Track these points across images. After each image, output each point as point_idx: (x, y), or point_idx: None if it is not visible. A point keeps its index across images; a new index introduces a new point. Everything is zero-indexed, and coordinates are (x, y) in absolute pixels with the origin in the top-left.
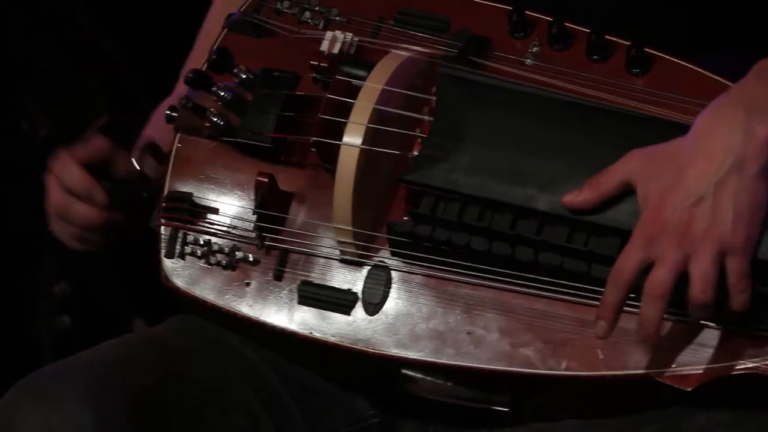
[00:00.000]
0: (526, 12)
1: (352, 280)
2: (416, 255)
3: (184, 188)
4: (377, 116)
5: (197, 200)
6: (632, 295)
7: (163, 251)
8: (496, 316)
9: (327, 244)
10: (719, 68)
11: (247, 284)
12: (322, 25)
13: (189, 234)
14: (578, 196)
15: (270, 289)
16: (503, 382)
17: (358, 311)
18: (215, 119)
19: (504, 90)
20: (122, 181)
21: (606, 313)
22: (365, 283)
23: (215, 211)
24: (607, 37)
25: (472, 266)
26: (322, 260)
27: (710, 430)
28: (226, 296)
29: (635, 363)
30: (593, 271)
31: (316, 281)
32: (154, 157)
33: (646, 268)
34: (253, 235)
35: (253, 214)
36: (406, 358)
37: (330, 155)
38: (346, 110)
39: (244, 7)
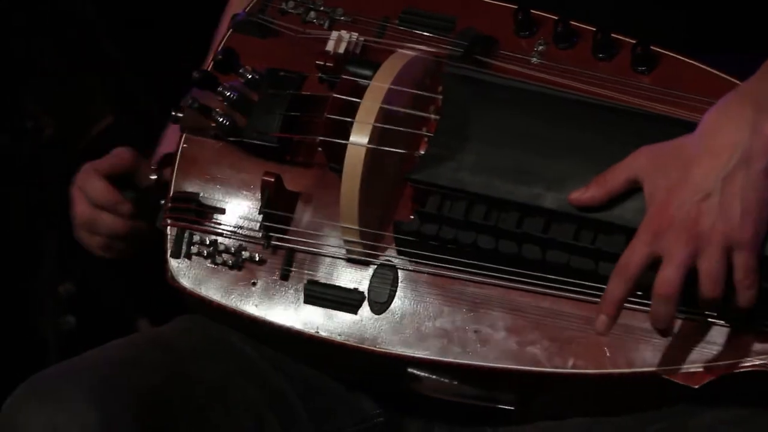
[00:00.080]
0: (532, 11)
1: (358, 279)
2: (423, 254)
3: (190, 188)
4: (383, 115)
5: (203, 200)
6: (639, 293)
7: (169, 251)
8: (502, 315)
9: (333, 243)
10: (719, 68)
11: (254, 284)
12: (327, 25)
13: (195, 234)
14: (585, 193)
15: (276, 288)
16: (510, 381)
17: (365, 310)
18: (221, 119)
19: (510, 89)
20: (145, 191)
21: (608, 308)
22: (371, 282)
23: (221, 211)
24: (612, 35)
25: (479, 265)
26: (328, 259)
27: (717, 428)
28: (232, 296)
29: (642, 361)
30: (600, 269)
31: (323, 280)
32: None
33: (651, 264)
34: (259, 234)
35: (259, 214)
36: (413, 357)
37: (336, 155)
38: (352, 110)
39: (249, 7)
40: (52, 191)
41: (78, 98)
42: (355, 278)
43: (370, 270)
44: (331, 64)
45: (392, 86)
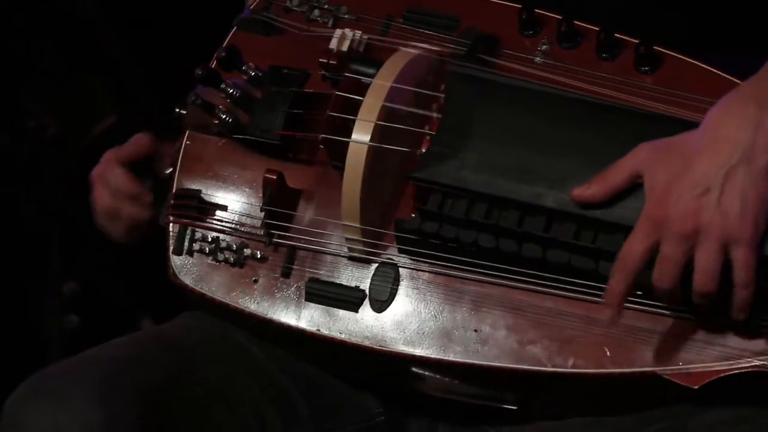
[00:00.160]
0: (536, 10)
1: (360, 277)
2: (424, 252)
3: (193, 185)
4: (386, 113)
5: (206, 197)
6: (638, 292)
7: (171, 248)
8: (503, 314)
9: (335, 241)
10: (719, 68)
11: (255, 281)
12: (331, 23)
13: (197, 231)
14: (587, 190)
15: (278, 286)
16: (510, 380)
17: (366, 308)
18: (224, 116)
19: (513, 87)
20: (163, 178)
21: (611, 299)
22: (373, 280)
23: (224, 208)
24: (616, 35)
25: (480, 263)
26: (329, 257)
27: (717, 428)
28: (234, 293)
29: (642, 361)
30: (601, 268)
31: (324, 278)
32: None
33: (650, 258)
34: (261, 232)
35: (261, 211)
36: (413, 356)
37: (338, 152)
38: (354, 107)
39: (253, 5)
40: (54, 190)
41: (79, 98)
42: (356, 276)
43: (372, 268)
44: (335, 62)
45: (395, 84)
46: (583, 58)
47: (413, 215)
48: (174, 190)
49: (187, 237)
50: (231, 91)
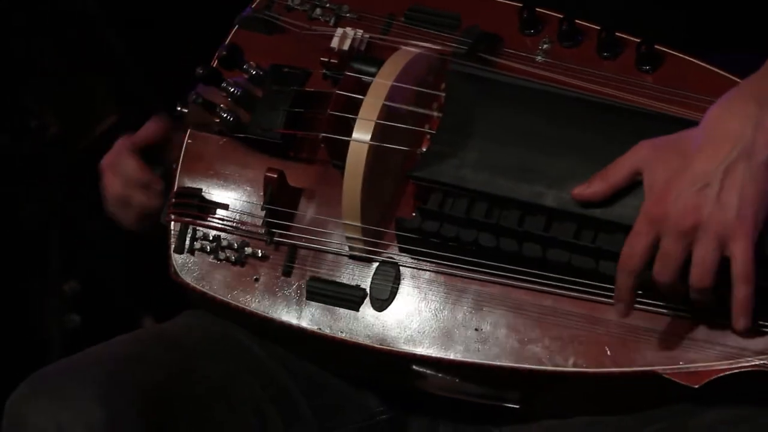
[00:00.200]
0: (537, 9)
1: (360, 276)
2: (425, 251)
3: (194, 184)
4: (386, 112)
5: (207, 196)
6: (639, 292)
7: (172, 247)
8: (504, 313)
9: (336, 240)
10: (720, 68)
11: (256, 280)
12: (332, 21)
13: (198, 230)
14: (588, 188)
15: (279, 284)
16: (512, 379)
17: (367, 307)
18: (225, 115)
19: (513, 86)
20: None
21: (621, 296)
22: (373, 279)
23: (225, 206)
24: (617, 34)
25: (481, 263)
26: (330, 256)
27: (717, 428)
28: (235, 292)
29: (643, 360)
30: (601, 268)
31: (325, 277)
32: None
33: (653, 253)
34: (262, 230)
35: (262, 210)
36: (414, 354)
37: (339, 151)
38: (355, 106)
39: (255, 3)
40: (55, 190)
41: (81, 97)
42: (357, 275)
43: (373, 267)
44: (336, 61)
45: (395, 83)
46: (584, 57)
47: (414, 214)
48: (175, 189)
49: (189, 236)
50: (232, 89)
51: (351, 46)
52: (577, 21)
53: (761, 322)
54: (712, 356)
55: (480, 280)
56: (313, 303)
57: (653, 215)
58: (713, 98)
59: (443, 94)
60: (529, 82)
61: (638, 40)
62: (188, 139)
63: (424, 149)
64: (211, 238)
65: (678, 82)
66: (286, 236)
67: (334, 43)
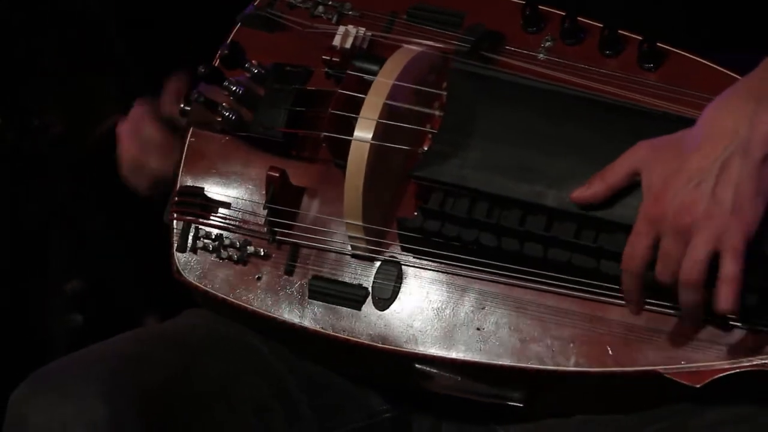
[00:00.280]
0: (539, 6)
1: (363, 275)
2: (426, 250)
3: (196, 183)
4: (388, 111)
5: (209, 194)
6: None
7: (175, 245)
8: (505, 312)
9: (338, 239)
10: (721, 66)
11: (258, 279)
12: (335, 19)
13: (201, 228)
14: (587, 190)
15: (281, 283)
16: (514, 378)
17: (369, 306)
18: (227, 114)
19: (515, 85)
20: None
21: (629, 297)
22: (375, 278)
23: (227, 205)
24: (619, 31)
25: (482, 262)
26: (333, 255)
27: (717, 428)
28: (237, 290)
29: (644, 360)
30: (602, 267)
31: (327, 276)
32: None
33: (655, 253)
34: (265, 229)
35: (264, 209)
36: (416, 354)
37: (341, 150)
38: (357, 105)
39: (257, 1)
40: (58, 189)
41: (83, 97)
42: (359, 274)
43: (375, 266)
44: (338, 59)
45: (397, 82)
46: (587, 55)
47: (415, 214)
48: (177, 188)
49: (191, 234)
50: (234, 88)
51: (353, 44)
52: (579, 19)
53: (761, 323)
54: (713, 356)
55: (481, 279)
56: (315, 302)
57: (652, 215)
58: (716, 97)
59: (445, 93)
60: (531, 81)
61: (640, 38)
62: (190, 137)
63: (426, 148)
64: (213, 237)
65: (681, 80)
66: (288, 235)
67: (336, 41)
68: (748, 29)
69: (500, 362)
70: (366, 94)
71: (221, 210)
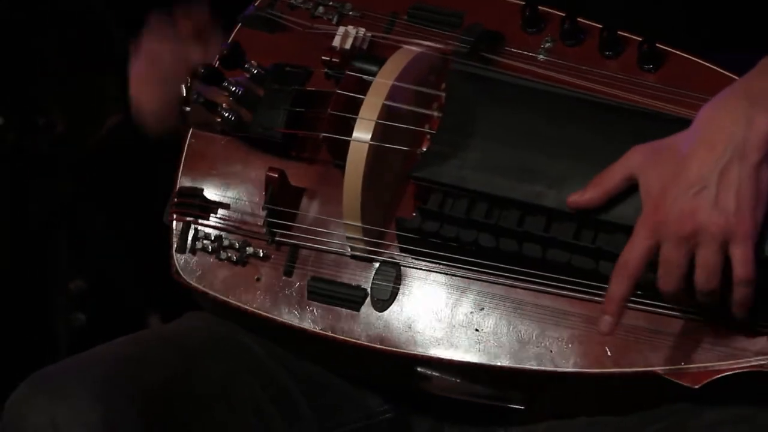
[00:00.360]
0: (539, 7)
1: (361, 276)
2: (425, 251)
3: (196, 183)
4: (387, 112)
5: (208, 195)
6: (639, 292)
7: (174, 246)
8: (504, 313)
9: (337, 239)
10: (721, 67)
11: (258, 280)
12: (335, 20)
13: (200, 229)
14: (583, 196)
15: (280, 284)
16: (513, 379)
17: (368, 307)
18: (226, 114)
19: (514, 86)
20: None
21: (611, 307)
22: (374, 279)
23: (226, 206)
24: (619, 32)
25: (481, 263)
26: (332, 256)
27: (717, 428)
28: (236, 292)
29: (643, 361)
30: (601, 268)
31: (326, 277)
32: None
33: (651, 261)
34: (264, 230)
35: (264, 210)
36: (415, 355)
37: (340, 151)
38: (356, 106)
39: (258, 1)
40: (62, 188)
41: (88, 96)
42: (358, 275)
43: (374, 267)
44: (337, 60)
45: (396, 83)
46: (587, 56)
47: (414, 214)
48: (177, 189)
49: (190, 235)
50: (233, 89)
51: (353, 44)
52: (579, 19)
53: (761, 323)
54: (712, 357)
55: (480, 280)
56: (314, 303)
57: (652, 222)
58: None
59: (444, 94)
60: (530, 82)
61: (640, 39)
62: (190, 138)
63: (425, 149)
64: (212, 238)
65: (681, 81)
66: (288, 236)
67: (336, 41)
68: (748, 29)
69: (499, 363)
70: (365, 94)
71: (220, 211)
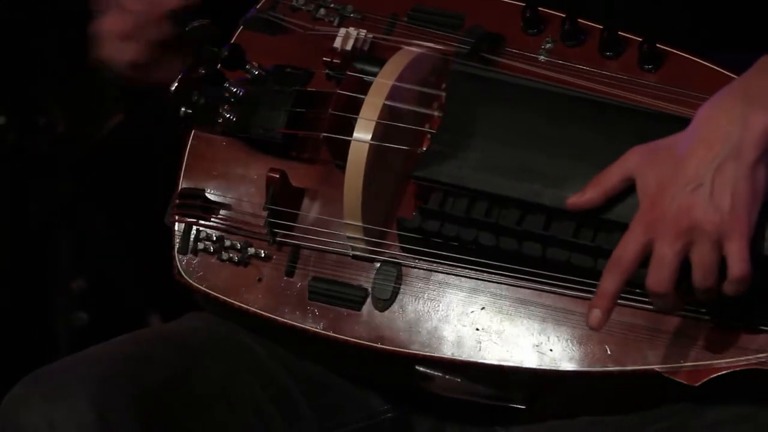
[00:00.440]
0: (540, 8)
1: (362, 276)
2: (426, 251)
3: (197, 184)
4: (387, 112)
5: (210, 196)
6: (637, 290)
7: (176, 247)
8: (505, 312)
9: (338, 240)
10: (723, 67)
11: (259, 280)
12: (336, 21)
13: (201, 230)
14: (582, 196)
15: (281, 285)
16: (514, 378)
17: (369, 307)
18: (228, 115)
19: (513, 86)
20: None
21: (601, 302)
22: (375, 279)
23: (228, 207)
24: (619, 33)
25: (481, 262)
26: (333, 256)
27: (717, 428)
28: (238, 292)
29: (643, 359)
30: (599, 266)
31: (327, 277)
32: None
33: (644, 258)
34: (265, 231)
35: (265, 210)
36: (416, 354)
37: (340, 151)
38: (356, 106)
39: (260, 4)
40: (64, 188)
41: (89, 96)
42: (359, 275)
43: (375, 267)
44: (338, 61)
45: (396, 83)
46: (587, 57)
47: (414, 214)
48: (178, 190)
49: (192, 236)
50: (234, 90)
51: (354, 46)
52: (579, 20)
53: (761, 322)
54: (712, 355)
55: (481, 279)
56: (315, 303)
57: (648, 219)
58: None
59: (444, 94)
60: (530, 82)
61: (640, 39)
62: (191, 139)
63: (425, 149)
64: (214, 239)
65: (681, 81)
66: (289, 236)
67: (337, 43)
68: (748, 29)
69: (500, 362)
70: (365, 95)
71: (222, 212)
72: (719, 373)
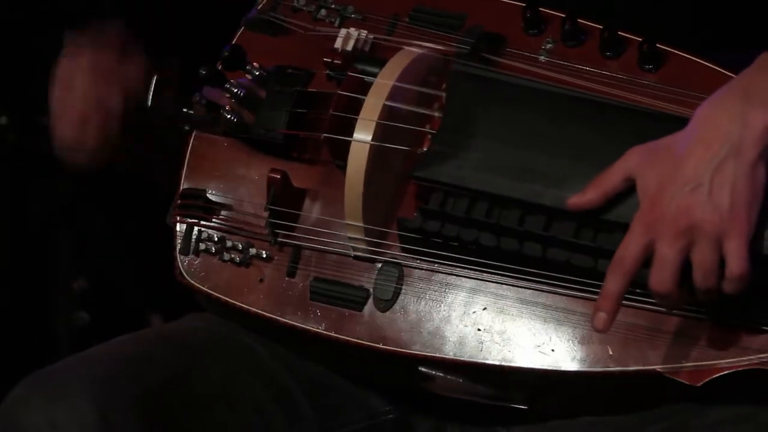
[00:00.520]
0: (540, 9)
1: (364, 276)
2: (427, 251)
3: (199, 185)
4: (387, 112)
5: (211, 197)
6: (638, 291)
7: (177, 248)
8: (506, 312)
9: (339, 240)
10: (723, 67)
11: (261, 281)
12: (337, 22)
13: (203, 230)
14: (583, 197)
15: (283, 285)
16: (515, 379)
17: (370, 307)
18: (229, 116)
19: (514, 86)
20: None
21: (606, 303)
22: (377, 279)
23: (229, 207)
24: (619, 33)
25: (482, 262)
26: (334, 257)
27: (718, 428)
28: (240, 292)
29: (644, 359)
30: (600, 267)
31: (329, 278)
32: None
33: (647, 258)
34: (266, 231)
35: (266, 211)
36: (417, 354)
37: (341, 151)
38: (357, 107)
39: (261, 5)
40: (65, 188)
41: None
42: (360, 276)
43: (376, 267)
44: (339, 62)
45: (397, 83)
46: (587, 57)
47: (415, 214)
48: (180, 190)
49: (194, 237)
50: (235, 90)
51: (355, 46)
52: (579, 20)
53: (761, 322)
54: (713, 355)
55: (482, 279)
56: (316, 304)
57: (648, 219)
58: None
59: (444, 94)
60: (530, 82)
61: (640, 40)
62: (193, 140)
63: (426, 149)
64: (215, 239)
65: (681, 81)
66: (290, 237)
67: (338, 43)
68: (748, 29)
69: (501, 363)
70: (366, 95)
71: (223, 212)
72: (721, 374)
